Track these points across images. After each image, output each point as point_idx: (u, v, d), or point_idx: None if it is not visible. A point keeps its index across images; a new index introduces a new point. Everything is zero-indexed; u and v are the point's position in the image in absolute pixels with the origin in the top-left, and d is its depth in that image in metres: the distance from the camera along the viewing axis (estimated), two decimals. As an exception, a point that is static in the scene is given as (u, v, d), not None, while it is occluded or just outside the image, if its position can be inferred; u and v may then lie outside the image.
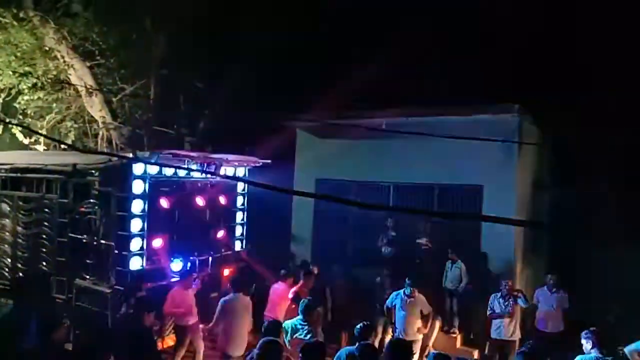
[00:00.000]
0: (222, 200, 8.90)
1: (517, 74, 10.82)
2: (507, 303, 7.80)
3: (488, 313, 8.03)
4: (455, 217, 10.06)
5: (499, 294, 7.95)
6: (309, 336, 5.78)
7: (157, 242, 7.61)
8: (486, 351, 8.99)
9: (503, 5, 10.65)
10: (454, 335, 9.08)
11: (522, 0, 10.94)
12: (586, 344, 5.59)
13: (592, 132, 10.55)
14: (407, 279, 7.82)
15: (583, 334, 5.66)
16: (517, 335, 7.79)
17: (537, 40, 10.98)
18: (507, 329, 7.78)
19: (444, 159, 9.84)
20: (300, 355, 4.67)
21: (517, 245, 9.72)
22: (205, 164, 7.74)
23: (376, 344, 7.32)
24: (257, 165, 8.92)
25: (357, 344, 5.18)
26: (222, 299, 7.00)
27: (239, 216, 9.21)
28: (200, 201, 8.45)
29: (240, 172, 8.88)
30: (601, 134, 10.65)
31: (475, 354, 8.87)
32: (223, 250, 8.92)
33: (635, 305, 8.50)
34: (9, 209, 8.49)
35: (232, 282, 7.27)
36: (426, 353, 8.39)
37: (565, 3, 10.72)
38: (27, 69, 11.01)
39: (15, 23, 10.32)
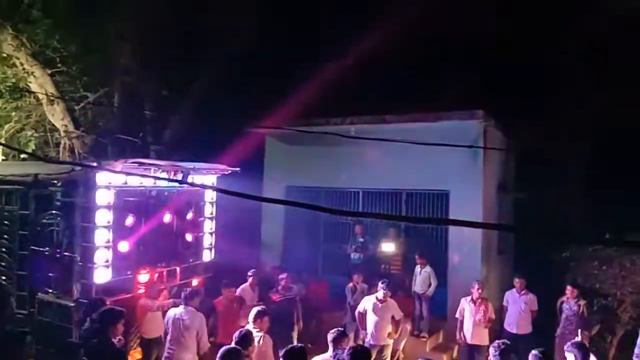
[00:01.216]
0: (190, 209, 8.77)
1: (481, 80, 11.06)
2: (478, 309, 7.90)
3: (457, 316, 8.14)
4: (424, 222, 10.20)
5: (469, 298, 8.06)
6: (259, 339, 5.84)
7: (123, 254, 7.42)
8: (454, 355, 9.13)
9: (470, 12, 10.89)
10: (424, 340, 9.16)
11: (490, 7, 11.20)
12: (569, 358, 4.83)
13: (555, 136, 10.88)
14: (380, 283, 7.86)
15: (566, 346, 4.96)
16: (487, 339, 7.91)
17: (500, 46, 11.24)
18: (477, 333, 7.90)
19: (411, 165, 9.98)
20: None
21: (484, 248, 9.91)
22: (173, 173, 7.60)
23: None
24: (226, 173, 8.82)
25: (332, 352, 5.18)
26: None
27: (208, 225, 9.08)
28: (167, 211, 8.29)
29: (209, 180, 8.76)
30: (563, 139, 11.00)
31: (445, 357, 8.98)
32: (191, 260, 8.77)
33: (596, 304, 8.79)
34: (-34, 221, 8.16)
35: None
36: (396, 357, 8.45)
37: (532, 10, 11.03)
38: (-17, 76, 10.66)
39: (-30, 29, 9.98)
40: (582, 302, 8.14)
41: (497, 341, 5.06)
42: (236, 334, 5.38)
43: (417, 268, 9.32)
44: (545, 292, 8.64)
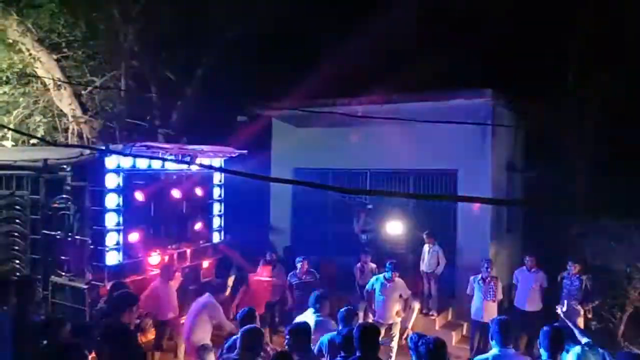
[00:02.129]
0: (199, 192, 8.82)
1: (489, 58, 10.93)
2: (488, 287, 7.89)
3: (468, 292, 8.15)
4: (432, 199, 10.17)
5: (478, 276, 8.04)
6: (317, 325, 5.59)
7: (134, 236, 7.50)
8: (464, 332, 9.19)
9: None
10: (433, 318, 9.22)
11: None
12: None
13: (563, 114, 10.76)
14: (387, 264, 7.89)
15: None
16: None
17: (509, 25, 11.08)
18: (487, 311, 7.91)
19: (419, 144, 9.92)
20: (287, 336, 4.66)
21: (493, 227, 9.90)
22: (180, 156, 7.64)
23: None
24: (233, 155, 8.84)
25: (338, 330, 5.22)
26: None
27: (216, 208, 9.14)
28: (176, 193, 8.35)
29: (216, 163, 8.80)
30: (571, 117, 10.88)
31: (454, 335, 9.04)
32: (201, 242, 8.85)
33: (605, 282, 8.77)
34: (-22, 207, 8.26)
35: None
36: (405, 335, 8.50)
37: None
38: (-11, 62, 10.68)
39: (-25, 15, 9.98)
40: (584, 277, 8.11)
41: (497, 316, 5.07)
42: (240, 312, 5.40)
43: (426, 247, 9.33)
44: (554, 270, 8.63)
